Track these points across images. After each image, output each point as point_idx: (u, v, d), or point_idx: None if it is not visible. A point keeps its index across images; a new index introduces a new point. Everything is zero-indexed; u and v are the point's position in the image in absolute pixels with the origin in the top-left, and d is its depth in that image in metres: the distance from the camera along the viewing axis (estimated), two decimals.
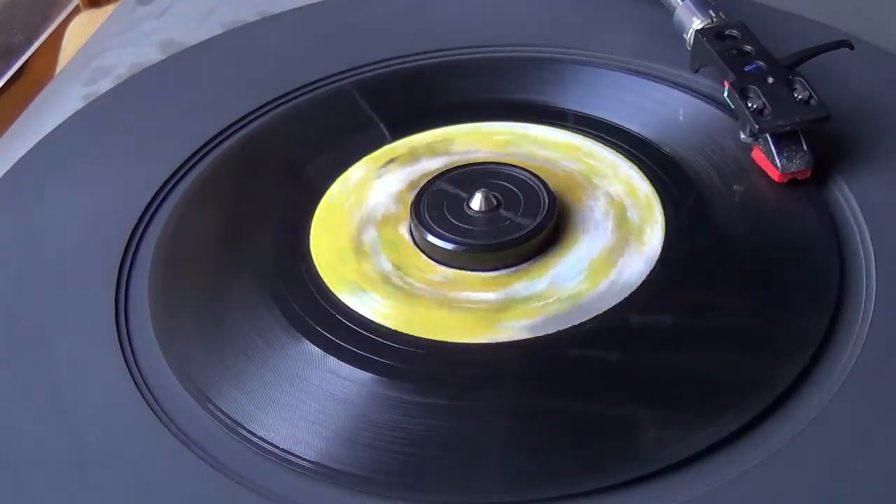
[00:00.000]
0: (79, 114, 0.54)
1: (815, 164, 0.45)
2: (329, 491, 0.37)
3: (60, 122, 0.53)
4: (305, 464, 0.37)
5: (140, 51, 0.61)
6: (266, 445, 0.38)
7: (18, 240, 0.47)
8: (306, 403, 0.39)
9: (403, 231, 0.46)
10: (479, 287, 0.43)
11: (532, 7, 0.58)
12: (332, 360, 0.41)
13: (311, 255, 0.45)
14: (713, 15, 0.50)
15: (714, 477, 0.36)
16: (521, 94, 0.53)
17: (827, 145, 0.46)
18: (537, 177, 0.46)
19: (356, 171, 0.49)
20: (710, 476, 0.36)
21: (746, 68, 0.47)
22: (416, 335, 0.41)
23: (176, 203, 0.48)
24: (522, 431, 0.39)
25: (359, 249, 0.46)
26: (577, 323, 0.41)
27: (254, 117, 0.52)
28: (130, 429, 0.39)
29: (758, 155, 0.46)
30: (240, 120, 0.52)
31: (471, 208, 0.45)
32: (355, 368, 0.40)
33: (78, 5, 0.71)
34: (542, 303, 0.42)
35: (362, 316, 0.42)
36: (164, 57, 0.59)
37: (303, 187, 0.49)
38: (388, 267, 0.45)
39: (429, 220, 0.45)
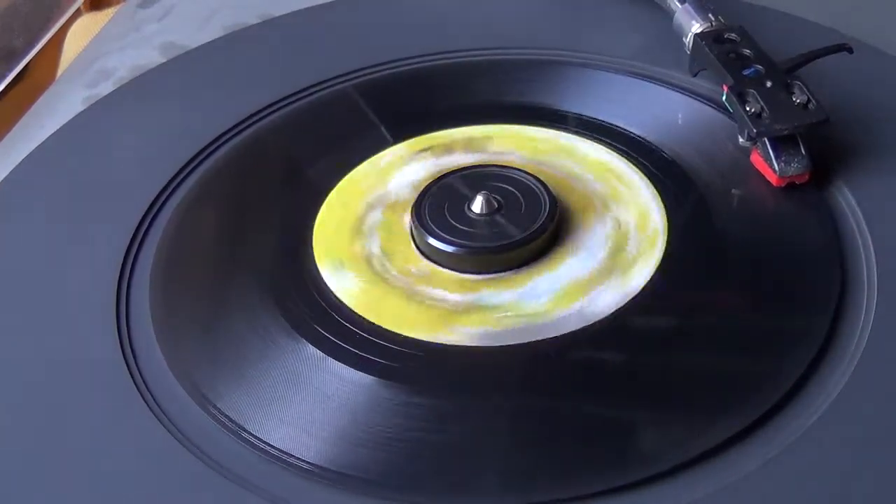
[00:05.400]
0: (80, 116, 0.54)
1: (814, 168, 0.45)
2: (329, 493, 0.37)
3: (62, 124, 0.54)
4: (305, 465, 0.37)
5: (141, 53, 0.61)
6: (265, 447, 0.38)
7: (21, 241, 0.47)
8: (306, 405, 0.39)
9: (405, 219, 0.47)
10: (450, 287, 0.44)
11: (532, 10, 0.58)
12: (331, 362, 0.41)
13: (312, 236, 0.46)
14: (712, 19, 0.50)
15: (718, 479, 0.36)
16: (522, 96, 0.53)
17: (826, 148, 0.47)
18: (540, 181, 0.46)
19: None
20: (713, 478, 0.36)
21: (745, 72, 0.47)
22: (416, 337, 0.42)
23: (177, 205, 0.48)
24: (523, 434, 0.39)
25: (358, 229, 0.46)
26: (577, 326, 0.41)
27: (254, 120, 0.52)
28: (130, 430, 0.39)
29: (756, 159, 0.46)
30: (241, 123, 0.52)
31: (472, 210, 0.45)
32: (355, 370, 0.40)
33: (79, 8, 0.72)
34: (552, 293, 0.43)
35: (359, 315, 0.43)
36: (165, 60, 0.59)
37: (304, 189, 0.49)
38: (375, 251, 0.45)
39: (428, 220, 0.45)
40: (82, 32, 0.70)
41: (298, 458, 0.38)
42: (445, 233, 0.44)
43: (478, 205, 0.45)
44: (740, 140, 0.46)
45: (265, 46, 0.58)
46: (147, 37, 0.63)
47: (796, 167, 0.45)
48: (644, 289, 0.42)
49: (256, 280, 0.45)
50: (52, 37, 0.69)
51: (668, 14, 0.52)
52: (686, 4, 0.51)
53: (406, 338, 0.41)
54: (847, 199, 0.45)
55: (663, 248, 0.44)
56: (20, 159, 0.51)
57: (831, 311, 0.41)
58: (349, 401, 0.39)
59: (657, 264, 0.43)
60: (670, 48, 0.52)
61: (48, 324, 0.43)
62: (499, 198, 0.45)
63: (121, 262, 0.45)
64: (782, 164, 0.45)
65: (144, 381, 0.41)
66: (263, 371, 0.41)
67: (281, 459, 0.38)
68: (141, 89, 0.56)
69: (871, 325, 0.40)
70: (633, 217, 0.46)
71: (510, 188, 0.46)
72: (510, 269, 0.44)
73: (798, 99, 0.45)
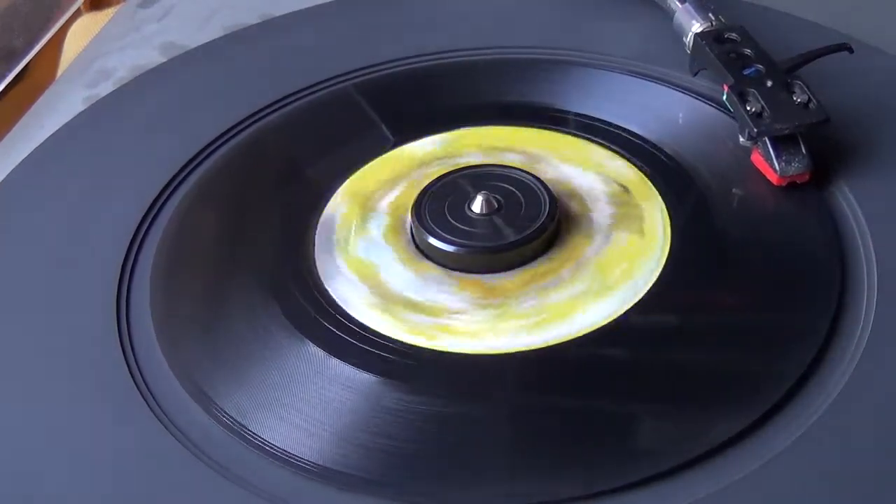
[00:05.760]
0: (80, 116, 0.54)
1: (815, 167, 0.45)
2: (329, 493, 0.37)
3: (62, 124, 0.54)
4: (305, 465, 0.37)
5: (141, 53, 0.61)
6: (266, 447, 0.38)
7: (21, 241, 0.47)
8: (306, 405, 0.39)
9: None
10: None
11: (533, 9, 0.58)
12: (333, 362, 0.41)
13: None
14: (713, 18, 0.50)
15: (718, 479, 0.36)
16: (522, 96, 0.53)
17: (826, 148, 0.46)
18: (539, 180, 0.46)
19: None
20: (713, 478, 0.36)
21: (745, 72, 0.47)
22: (414, 338, 0.42)
23: (177, 205, 0.48)
24: (524, 435, 0.39)
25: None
26: (573, 329, 0.41)
27: (255, 120, 0.52)
28: (130, 429, 0.39)
29: (757, 158, 0.46)
30: (241, 122, 0.52)
31: (472, 210, 0.45)
32: (357, 370, 0.40)
33: (79, 8, 0.72)
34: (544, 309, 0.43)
35: (360, 320, 0.43)
36: (165, 60, 0.59)
37: (304, 189, 0.49)
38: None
39: (429, 221, 0.45)
40: (82, 32, 0.70)
41: (298, 458, 0.38)
42: (443, 231, 0.44)
43: (478, 205, 0.45)
44: (741, 139, 0.46)
45: (265, 46, 0.58)
46: (147, 37, 0.63)
47: (797, 167, 0.45)
48: (644, 291, 0.42)
49: (256, 280, 0.45)
50: (52, 37, 0.69)
51: (669, 14, 0.52)
52: (686, 4, 0.51)
53: (407, 339, 0.42)
54: (847, 199, 0.45)
55: (663, 248, 0.44)
56: (20, 159, 0.51)
57: (831, 311, 0.41)
58: (350, 401, 0.39)
59: (657, 265, 0.43)
60: (670, 48, 0.52)
61: (48, 324, 0.43)
62: (498, 197, 0.45)
63: (121, 262, 0.45)
64: (783, 163, 0.45)
65: (145, 381, 0.41)
66: (263, 371, 0.41)
67: (281, 459, 0.38)
68: (141, 89, 0.56)
69: (871, 325, 0.40)
70: (631, 217, 0.46)
71: (511, 188, 0.46)
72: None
73: (799, 98, 0.45)
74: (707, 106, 0.50)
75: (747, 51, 0.48)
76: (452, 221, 0.45)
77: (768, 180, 0.46)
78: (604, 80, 0.53)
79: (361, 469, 0.37)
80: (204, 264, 0.47)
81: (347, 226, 0.47)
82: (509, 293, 0.43)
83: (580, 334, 0.41)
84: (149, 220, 0.48)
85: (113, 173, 0.50)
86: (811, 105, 0.45)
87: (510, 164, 0.48)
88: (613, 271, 0.43)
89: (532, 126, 0.51)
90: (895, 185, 0.46)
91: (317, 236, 0.46)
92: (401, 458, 0.38)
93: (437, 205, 0.46)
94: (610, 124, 0.50)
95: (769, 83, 0.46)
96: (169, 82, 0.56)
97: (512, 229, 0.44)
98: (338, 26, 0.59)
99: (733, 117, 0.47)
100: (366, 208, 0.47)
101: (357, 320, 0.42)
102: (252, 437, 0.38)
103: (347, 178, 0.49)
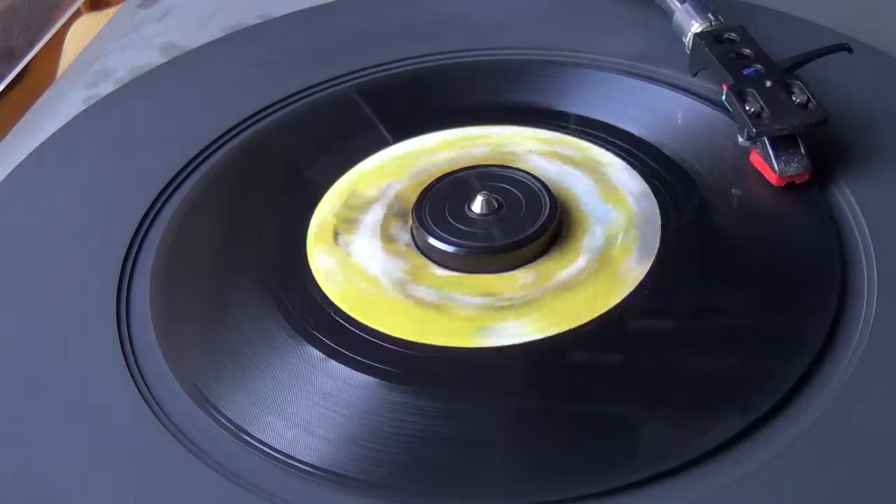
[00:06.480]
0: (80, 116, 0.54)
1: (814, 168, 0.45)
2: (329, 493, 0.37)
3: (62, 125, 0.54)
4: (305, 466, 0.37)
5: (141, 54, 0.61)
6: (266, 448, 0.38)
7: (20, 242, 0.47)
8: (308, 406, 0.39)
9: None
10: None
11: (532, 10, 0.58)
12: (333, 364, 0.41)
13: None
14: (712, 18, 0.50)
15: (718, 479, 0.36)
16: (522, 96, 0.53)
17: (826, 148, 0.47)
18: (539, 180, 0.46)
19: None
20: (713, 478, 0.36)
21: (745, 72, 0.47)
22: (414, 338, 0.42)
23: (177, 206, 0.48)
24: (524, 434, 0.39)
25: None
26: (574, 326, 0.41)
27: (255, 121, 0.53)
28: (130, 432, 0.39)
29: (756, 158, 0.46)
30: (241, 123, 0.52)
31: (472, 211, 0.45)
32: (357, 371, 0.40)
33: (79, 8, 0.72)
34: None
35: (359, 321, 0.43)
36: (165, 60, 0.59)
37: (304, 190, 0.49)
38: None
39: (429, 221, 0.45)
40: (82, 32, 0.70)
41: (298, 459, 0.38)
42: (443, 231, 0.44)
43: (478, 205, 0.45)
44: (740, 140, 0.46)
45: (265, 46, 0.58)
46: (147, 37, 0.63)
47: (796, 167, 0.45)
48: (642, 289, 0.43)
49: (257, 280, 0.45)
50: (52, 37, 0.69)
51: (668, 14, 0.52)
52: (686, 4, 0.51)
53: (407, 340, 0.42)
54: (847, 199, 0.45)
55: (662, 248, 0.44)
56: (20, 159, 0.52)
57: (832, 311, 0.41)
58: (349, 402, 0.39)
59: (656, 265, 0.43)
60: (670, 48, 0.52)
61: (48, 324, 0.43)
62: (498, 197, 0.45)
63: (121, 262, 0.45)
64: (782, 163, 0.45)
65: (145, 381, 0.41)
66: (264, 372, 0.41)
67: (281, 460, 0.38)
68: (141, 89, 0.56)
69: (872, 326, 0.40)
70: (631, 218, 0.46)
71: (511, 188, 0.46)
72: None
73: (798, 98, 0.45)
74: (707, 106, 0.50)
75: (747, 51, 0.48)
76: (452, 222, 0.45)
77: (768, 180, 0.46)
78: (604, 81, 0.53)
79: (361, 470, 0.37)
80: (204, 265, 0.47)
81: (345, 226, 0.47)
82: (508, 293, 0.43)
83: (579, 335, 0.41)
84: (149, 220, 0.48)
85: (113, 173, 0.50)
86: (810, 105, 0.45)
87: (510, 165, 0.48)
88: (611, 272, 0.43)
89: (532, 126, 0.51)
90: (895, 185, 0.46)
91: (316, 237, 0.46)
92: (401, 459, 0.38)
93: (438, 205, 0.46)
94: (610, 125, 0.50)
95: (768, 83, 0.46)
96: (169, 82, 0.56)
97: (512, 229, 0.44)
98: (338, 26, 0.59)
99: (733, 117, 0.47)
100: (365, 208, 0.47)
101: (356, 321, 0.42)
102: (252, 437, 0.38)
103: (345, 178, 0.49)
